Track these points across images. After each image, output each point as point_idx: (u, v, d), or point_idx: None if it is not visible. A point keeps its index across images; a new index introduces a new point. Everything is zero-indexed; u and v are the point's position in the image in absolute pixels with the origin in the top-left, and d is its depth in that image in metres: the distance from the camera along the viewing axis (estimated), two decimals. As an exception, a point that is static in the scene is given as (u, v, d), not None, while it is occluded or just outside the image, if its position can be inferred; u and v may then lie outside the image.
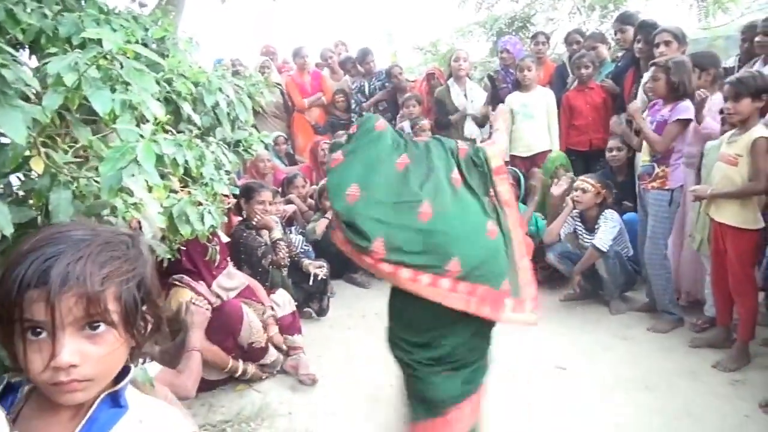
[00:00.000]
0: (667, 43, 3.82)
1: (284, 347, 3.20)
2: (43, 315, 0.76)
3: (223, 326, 2.83)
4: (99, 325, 0.80)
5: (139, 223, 1.82)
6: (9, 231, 1.10)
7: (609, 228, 3.87)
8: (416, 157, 2.15)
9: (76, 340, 0.78)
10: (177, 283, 2.86)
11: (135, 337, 0.85)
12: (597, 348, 3.41)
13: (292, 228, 4.56)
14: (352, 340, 3.67)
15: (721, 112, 3.33)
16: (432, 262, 1.99)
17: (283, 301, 3.30)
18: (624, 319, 3.83)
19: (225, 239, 3.14)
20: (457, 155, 2.20)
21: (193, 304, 2.69)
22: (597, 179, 4.02)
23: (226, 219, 2.88)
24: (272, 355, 3.08)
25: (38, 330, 0.77)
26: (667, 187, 3.47)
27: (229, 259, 3.18)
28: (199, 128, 2.20)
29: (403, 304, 2.09)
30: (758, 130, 2.90)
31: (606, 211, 3.95)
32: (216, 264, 2.92)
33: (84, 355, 0.78)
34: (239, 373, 2.95)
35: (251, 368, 3.00)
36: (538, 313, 2.21)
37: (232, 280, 3.07)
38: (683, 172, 3.54)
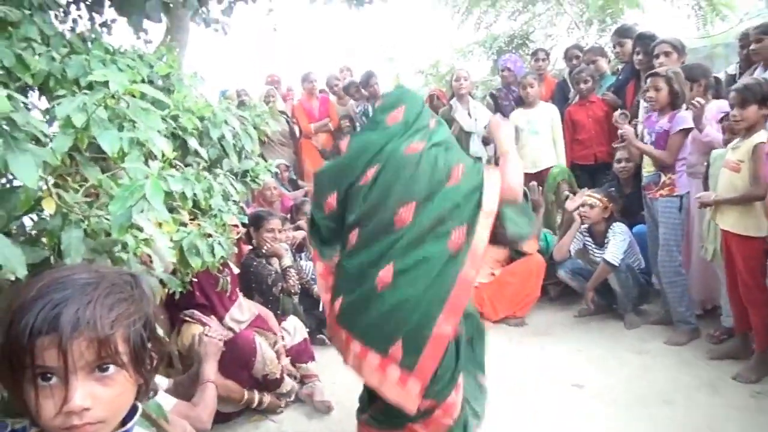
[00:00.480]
0: (666, 54, 3.85)
1: (297, 375, 3.19)
2: (55, 361, 0.77)
3: (237, 359, 2.82)
4: (108, 367, 0.81)
5: (149, 257, 1.85)
6: (22, 273, 1.12)
7: (619, 241, 3.86)
8: (387, 172, 1.91)
9: (87, 384, 0.79)
10: (188, 318, 2.87)
11: (143, 375, 0.87)
12: (613, 363, 3.37)
13: (302, 254, 4.57)
14: (365, 364, 3.65)
15: (721, 120, 3.34)
16: (333, 294, 1.94)
17: (294, 328, 3.30)
18: (639, 332, 3.78)
19: (236, 270, 3.16)
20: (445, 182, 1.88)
21: (206, 335, 2.70)
22: (603, 193, 4.02)
23: (236, 249, 2.89)
24: (287, 384, 3.06)
25: (48, 375, 0.78)
26: (675, 194, 3.49)
27: (239, 290, 3.19)
28: (206, 161, 2.23)
29: None
30: (760, 136, 2.91)
31: (614, 224, 3.94)
32: (228, 295, 2.93)
33: (95, 397, 0.79)
34: (256, 403, 2.93)
35: (267, 398, 2.98)
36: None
37: (243, 312, 3.07)
38: (687, 181, 3.54)
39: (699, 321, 3.64)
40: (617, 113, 3.97)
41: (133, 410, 0.90)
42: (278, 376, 2.98)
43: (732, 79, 3.94)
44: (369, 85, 6.16)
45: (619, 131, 3.79)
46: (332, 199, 2.00)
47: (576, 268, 4.13)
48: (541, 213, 4.31)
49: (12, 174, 1.30)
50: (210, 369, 2.61)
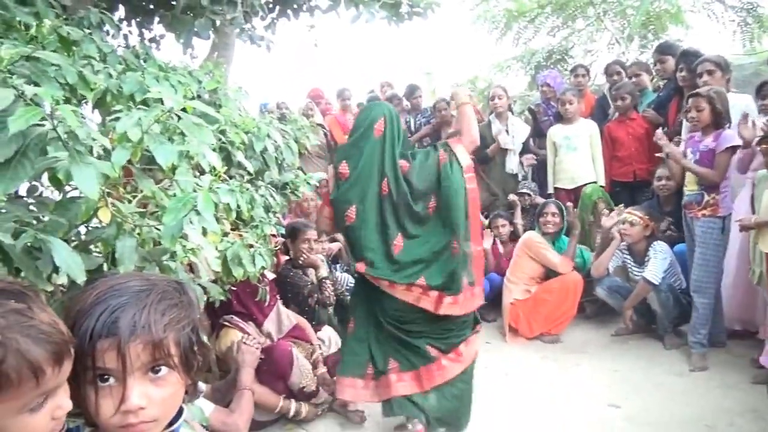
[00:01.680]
0: (710, 73, 3.79)
1: (332, 385, 3.20)
2: (114, 362, 0.82)
3: (274, 370, 2.87)
4: (161, 369, 0.86)
5: (190, 266, 1.91)
6: (82, 279, 1.18)
7: (660, 260, 3.79)
8: (399, 186, 2.62)
9: (142, 384, 0.84)
10: (227, 323, 2.93)
11: (191, 376, 0.92)
12: (651, 385, 3.30)
13: (338, 266, 4.62)
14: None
15: (759, 143, 3.25)
16: (404, 280, 2.60)
17: (329, 339, 3.33)
18: (679, 354, 3.70)
19: (271, 276, 3.22)
20: (439, 164, 2.65)
21: (244, 343, 2.76)
22: (644, 211, 3.95)
23: (275, 259, 2.96)
24: (321, 396, 3.09)
25: (106, 376, 0.84)
26: (719, 215, 3.41)
27: (278, 296, 3.24)
28: (249, 173, 2.30)
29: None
30: None
31: (655, 243, 3.87)
32: (266, 303, 2.99)
33: (150, 397, 0.85)
34: (292, 413, 2.96)
35: (305, 408, 3.00)
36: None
37: (281, 319, 3.12)
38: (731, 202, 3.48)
39: (745, 344, 3.56)
40: (658, 132, 3.92)
41: (179, 412, 0.95)
42: (314, 388, 3.02)
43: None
44: (413, 97, 6.24)
45: (664, 150, 3.71)
46: (351, 212, 2.61)
47: (614, 286, 4.06)
48: (577, 233, 4.24)
49: (71, 185, 1.39)
50: (247, 376, 2.67)
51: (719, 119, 3.37)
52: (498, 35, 8.62)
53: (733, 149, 3.36)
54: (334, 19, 4.07)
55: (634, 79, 4.95)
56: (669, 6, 7.20)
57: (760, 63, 6.36)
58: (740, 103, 3.92)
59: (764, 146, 3.19)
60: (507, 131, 5.27)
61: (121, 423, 0.84)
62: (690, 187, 3.58)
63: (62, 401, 0.80)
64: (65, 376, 0.80)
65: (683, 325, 3.98)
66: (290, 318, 3.18)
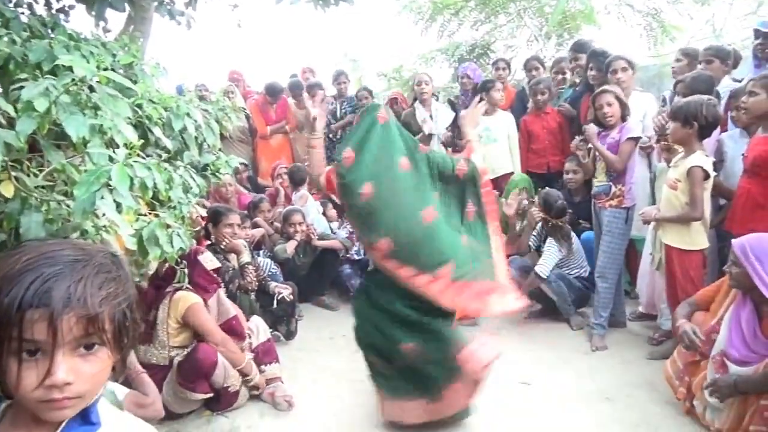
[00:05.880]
0: (624, 69, 4.06)
1: (263, 382, 3.14)
2: (43, 335, 0.77)
3: (196, 370, 2.82)
4: (93, 344, 0.82)
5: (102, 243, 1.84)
6: (-17, 253, 1.11)
7: (552, 254, 4.03)
8: (415, 164, 2.54)
9: (71, 359, 0.80)
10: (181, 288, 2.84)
11: (121, 353, 0.88)
12: (560, 362, 3.51)
13: (260, 252, 4.57)
14: (320, 362, 3.68)
15: (659, 140, 3.53)
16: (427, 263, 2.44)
17: (258, 328, 3.27)
18: (584, 333, 3.94)
19: (216, 264, 3.13)
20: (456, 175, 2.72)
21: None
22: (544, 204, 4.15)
23: (195, 243, 2.87)
24: (243, 397, 3.06)
25: (33, 348, 0.78)
26: (624, 206, 3.64)
27: (221, 284, 3.16)
28: (168, 152, 2.22)
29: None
30: (695, 158, 3.09)
31: (548, 239, 4.10)
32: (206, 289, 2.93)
33: (77, 372, 0.80)
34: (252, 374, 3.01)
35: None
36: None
37: (222, 301, 3.04)
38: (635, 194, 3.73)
39: (643, 323, 3.83)
40: (575, 141, 4.16)
41: None
42: (238, 388, 2.97)
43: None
44: (338, 82, 6.24)
45: (583, 129, 3.91)
46: (367, 188, 2.40)
47: (525, 266, 4.25)
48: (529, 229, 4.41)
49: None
50: (134, 358, 2.61)
51: (624, 113, 3.60)
52: (423, 26, 8.72)
53: (635, 140, 3.60)
54: (258, 1, 3.99)
55: (547, 78, 5.17)
56: (583, 7, 7.55)
57: (663, 65, 6.83)
58: (643, 100, 4.22)
59: (663, 143, 3.45)
60: (431, 117, 5.37)
61: (44, 398, 0.79)
62: (599, 179, 3.80)
63: None
64: None
65: (584, 307, 4.25)
66: (228, 308, 3.10)
